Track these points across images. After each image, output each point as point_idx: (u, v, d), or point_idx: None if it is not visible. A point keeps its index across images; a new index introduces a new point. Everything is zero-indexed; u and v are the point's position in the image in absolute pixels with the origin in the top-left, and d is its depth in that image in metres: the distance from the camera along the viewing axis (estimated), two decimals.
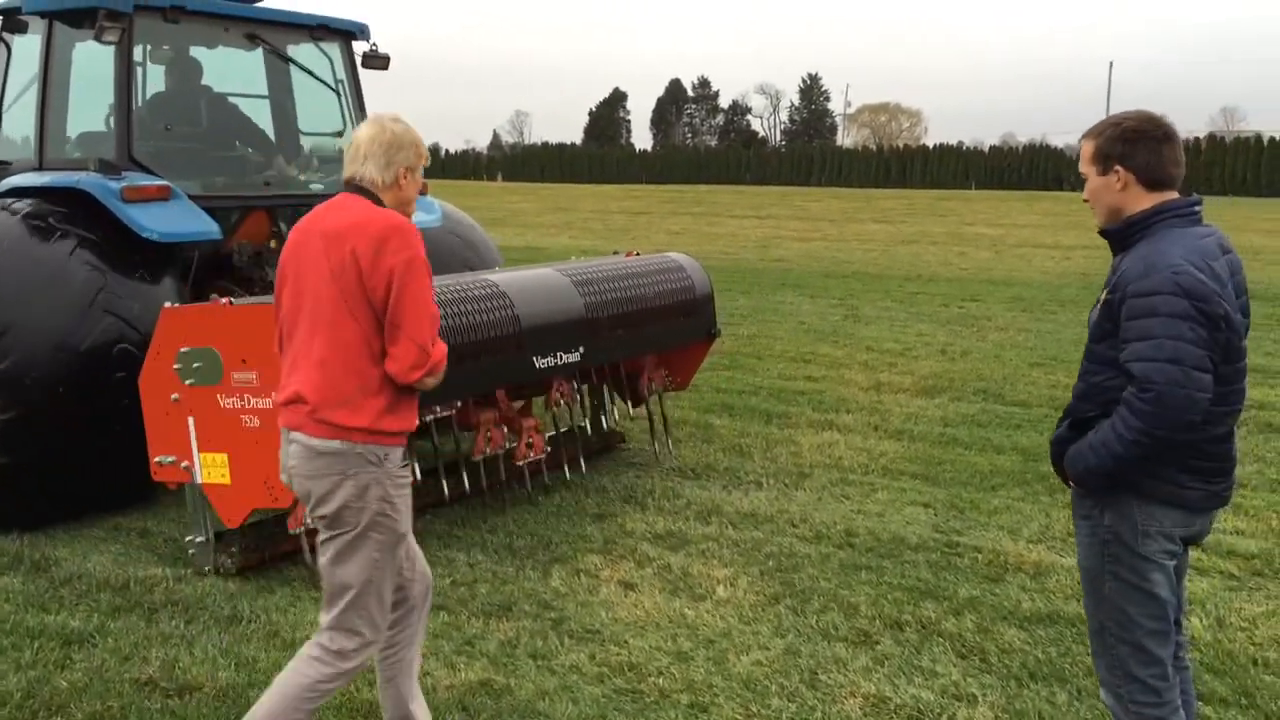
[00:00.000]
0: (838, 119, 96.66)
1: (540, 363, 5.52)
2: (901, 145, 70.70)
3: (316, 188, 7.12)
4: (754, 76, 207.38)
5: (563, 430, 6.49)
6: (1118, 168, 2.86)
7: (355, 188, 3.09)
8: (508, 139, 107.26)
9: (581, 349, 5.75)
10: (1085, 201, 2.99)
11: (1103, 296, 2.92)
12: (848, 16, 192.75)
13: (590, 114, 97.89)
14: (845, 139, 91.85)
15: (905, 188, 56.81)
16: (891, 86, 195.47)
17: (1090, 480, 2.91)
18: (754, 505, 5.80)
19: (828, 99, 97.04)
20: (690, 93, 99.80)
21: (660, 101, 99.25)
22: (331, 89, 7.19)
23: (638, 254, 6.77)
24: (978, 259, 19.81)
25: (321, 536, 3.09)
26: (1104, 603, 2.99)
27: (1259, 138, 52.42)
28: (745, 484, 6.21)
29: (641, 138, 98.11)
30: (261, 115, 7.17)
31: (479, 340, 5.16)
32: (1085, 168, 2.96)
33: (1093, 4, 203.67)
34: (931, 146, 64.27)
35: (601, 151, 78.49)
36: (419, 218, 7.06)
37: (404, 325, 2.95)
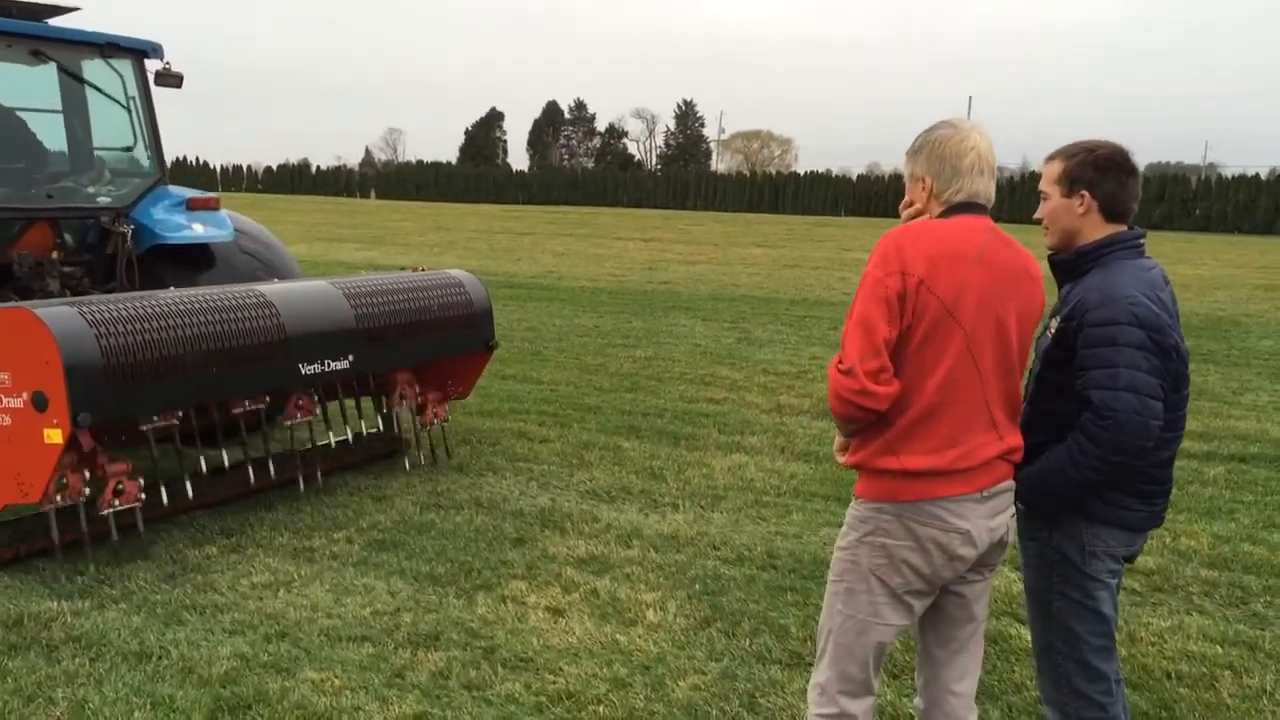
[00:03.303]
0: (712, 145, 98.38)
1: (306, 369, 5.77)
2: (774, 172, 72.31)
3: (104, 200, 7.10)
4: (630, 100, 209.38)
5: (339, 439, 6.63)
6: (1084, 192, 2.94)
7: (984, 210, 2.82)
8: (381, 156, 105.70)
9: (351, 357, 5.97)
10: (1037, 220, 3.06)
11: (1054, 325, 3.00)
12: (722, 45, 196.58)
13: (466, 133, 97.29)
14: (719, 164, 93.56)
15: (778, 213, 58.14)
16: (763, 115, 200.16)
17: (1045, 504, 2.99)
18: (673, 528, 5.78)
19: (702, 125, 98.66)
20: (567, 115, 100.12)
21: (537, 122, 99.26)
22: (122, 105, 7.22)
23: (423, 269, 7.05)
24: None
25: (986, 577, 2.94)
26: (1051, 622, 3.08)
27: None
28: (662, 506, 6.19)
29: (518, 158, 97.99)
30: (52, 129, 7.13)
31: (244, 346, 5.37)
32: (1048, 187, 3.01)
33: (953, 40, 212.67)
34: (802, 174, 65.94)
35: (478, 170, 78.00)
36: (211, 233, 7.10)
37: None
